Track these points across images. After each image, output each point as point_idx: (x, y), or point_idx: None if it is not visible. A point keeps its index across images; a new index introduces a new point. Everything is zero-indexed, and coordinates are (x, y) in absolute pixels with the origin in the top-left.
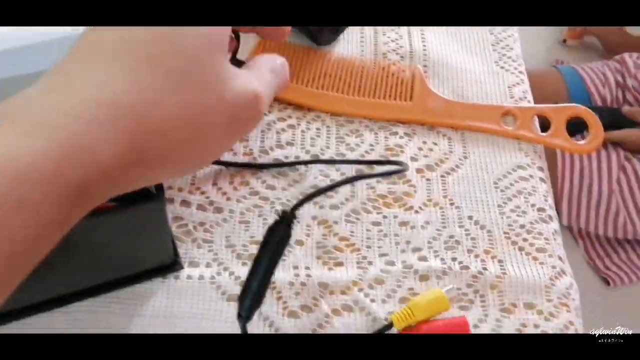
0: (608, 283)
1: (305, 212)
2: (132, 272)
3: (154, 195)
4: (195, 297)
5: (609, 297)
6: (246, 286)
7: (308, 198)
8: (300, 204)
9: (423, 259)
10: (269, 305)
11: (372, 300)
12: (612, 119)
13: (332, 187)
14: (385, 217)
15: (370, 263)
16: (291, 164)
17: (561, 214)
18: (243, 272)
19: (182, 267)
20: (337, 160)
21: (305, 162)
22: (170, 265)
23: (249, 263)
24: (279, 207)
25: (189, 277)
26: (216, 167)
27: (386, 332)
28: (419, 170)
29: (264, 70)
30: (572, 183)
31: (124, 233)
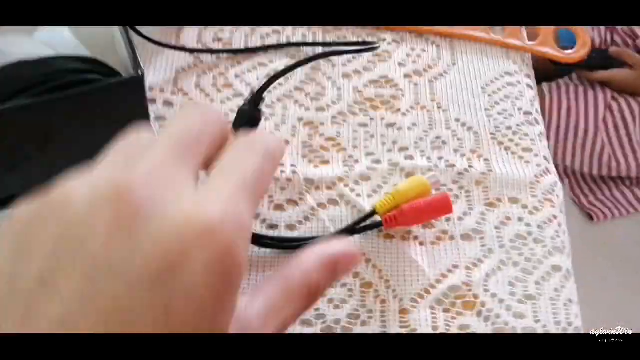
0: (592, 218)
1: (291, 113)
2: None
3: (134, 77)
4: None
5: (593, 231)
6: None
7: (275, 77)
8: (268, 84)
9: (409, 157)
10: None
11: (358, 195)
12: (600, 60)
13: (300, 64)
14: (372, 119)
15: (356, 161)
16: (263, 49)
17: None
18: None
19: None
20: (307, 43)
21: (276, 46)
22: None
23: None
24: (264, 109)
25: None
26: (199, 69)
27: (370, 220)
28: (406, 75)
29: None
30: (559, 121)
31: (102, 119)
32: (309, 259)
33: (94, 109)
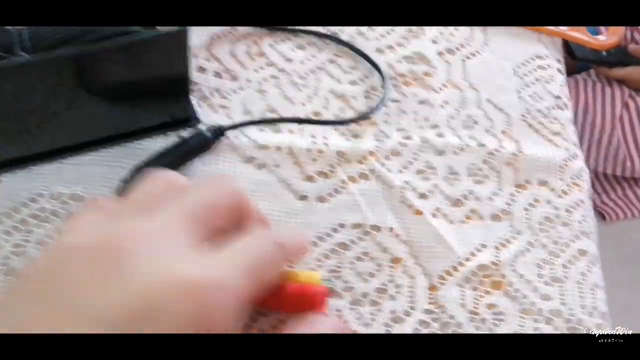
0: (604, 217)
1: (323, 85)
2: (146, 125)
3: (180, 29)
4: (214, 157)
5: (604, 230)
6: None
7: (247, 124)
8: (238, 126)
9: (440, 135)
10: (286, 169)
11: (389, 170)
12: (619, 57)
13: (280, 120)
14: (404, 94)
15: (387, 136)
16: (303, 32)
17: None
18: (261, 137)
19: (199, 122)
20: (352, 47)
21: (320, 35)
22: (186, 119)
23: (267, 129)
24: (297, 80)
25: None
26: (232, 37)
27: None
28: (439, 53)
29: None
30: (575, 118)
31: (141, 74)
32: None
33: (136, 61)
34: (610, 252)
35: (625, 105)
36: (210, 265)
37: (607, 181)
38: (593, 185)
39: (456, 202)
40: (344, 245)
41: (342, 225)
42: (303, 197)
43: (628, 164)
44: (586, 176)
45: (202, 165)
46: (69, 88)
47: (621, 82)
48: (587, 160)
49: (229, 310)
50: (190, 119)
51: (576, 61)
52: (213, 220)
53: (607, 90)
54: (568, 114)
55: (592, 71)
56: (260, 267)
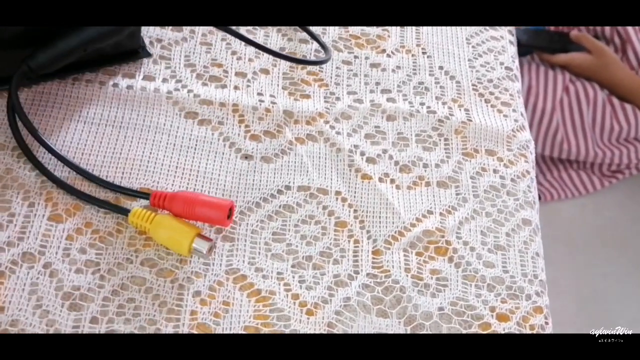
0: (539, 197)
1: (273, 41)
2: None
3: None
4: (150, 110)
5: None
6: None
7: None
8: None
9: (391, 100)
10: (230, 127)
11: (338, 133)
12: (561, 44)
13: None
14: (356, 57)
15: (337, 99)
16: None
17: None
18: (203, 91)
19: (149, 55)
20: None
21: None
22: (134, 51)
23: (210, 85)
24: (245, 34)
25: (143, 88)
26: None
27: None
28: None
29: None
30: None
31: None
32: None
33: None
34: (542, 231)
35: (566, 89)
36: None
37: (544, 162)
38: None
39: (404, 168)
40: (288, 208)
41: (287, 187)
42: (247, 157)
43: (565, 146)
44: (532, 147)
45: (117, 109)
46: None
47: (563, 67)
48: None
49: None
50: (137, 51)
51: (520, 47)
52: None
53: (550, 73)
54: (518, 85)
55: (535, 55)
56: None
